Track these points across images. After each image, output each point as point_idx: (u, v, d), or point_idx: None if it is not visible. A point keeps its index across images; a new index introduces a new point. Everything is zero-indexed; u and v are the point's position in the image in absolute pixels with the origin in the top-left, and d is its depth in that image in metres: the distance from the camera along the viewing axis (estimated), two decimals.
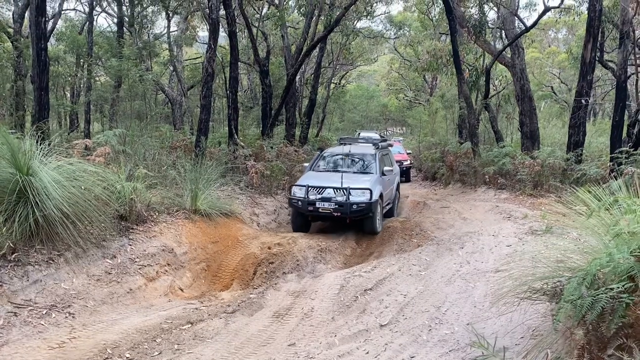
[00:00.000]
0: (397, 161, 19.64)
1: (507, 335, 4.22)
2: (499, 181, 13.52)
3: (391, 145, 14.30)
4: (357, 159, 11.61)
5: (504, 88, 22.43)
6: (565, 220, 4.43)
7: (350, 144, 12.38)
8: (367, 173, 11.02)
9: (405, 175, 20.27)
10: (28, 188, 5.80)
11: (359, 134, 28.96)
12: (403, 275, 6.50)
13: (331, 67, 31.02)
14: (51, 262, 5.77)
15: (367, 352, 4.53)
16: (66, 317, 5.23)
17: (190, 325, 5.36)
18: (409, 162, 20.85)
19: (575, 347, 2.71)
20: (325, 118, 33.94)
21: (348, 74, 37.59)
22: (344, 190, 9.80)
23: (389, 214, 12.00)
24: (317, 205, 9.85)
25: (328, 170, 11.32)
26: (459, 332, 4.69)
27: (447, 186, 16.93)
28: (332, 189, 9.94)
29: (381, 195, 10.42)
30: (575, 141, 12.88)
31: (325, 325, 5.27)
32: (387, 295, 5.82)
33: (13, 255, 5.46)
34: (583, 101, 12.65)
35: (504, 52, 17.04)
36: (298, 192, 10.18)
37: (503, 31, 18.26)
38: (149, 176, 8.54)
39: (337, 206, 9.76)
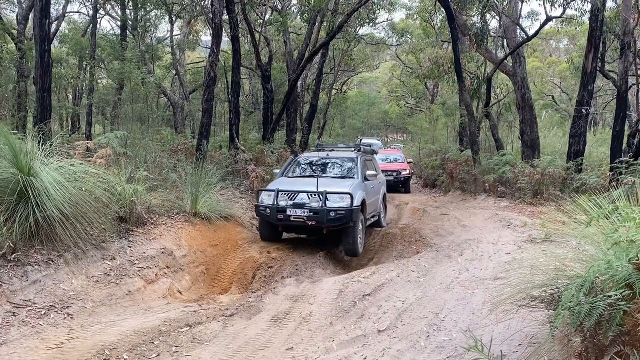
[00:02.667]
0: (394, 171, 19.06)
1: (505, 342, 4.22)
2: (499, 189, 13.53)
3: (375, 153, 12.96)
4: (336, 164, 10.35)
5: (505, 97, 22.48)
6: (565, 229, 4.44)
7: (329, 151, 11.24)
8: (348, 177, 9.80)
9: (404, 186, 19.24)
10: (29, 189, 5.83)
11: (361, 140, 28.75)
12: (402, 282, 6.50)
13: (333, 73, 31.13)
14: (51, 262, 5.78)
15: (365, 358, 4.53)
16: (65, 318, 5.24)
17: (188, 328, 5.36)
18: (408, 172, 19.52)
19: (573, 355, 2.72)
20: (326, 124, 34.05)
21: (350, 80, 37.74)
22: (320, 195, 8.50)
23: (375, 225, 10.98)
24: (289, 213, 8.54)
25: (303, 176, 10.06)
26: (457, 338, 4.68)
27: (447, 194, 16.94)
28: (306, 194, 8.69)
29: (364, 203, 9.20)
30: (576, 151, 12.92)
31: (323, 330, 5.26)
32: (386, 301, 5.81)
33: (13, 256, 5.48)
34: (584, 111, 12.70)
35: (505, 61, 17.10)
36: (266, 199, 8.86)
37: (505, 40, 18.32)
38: (150, 179, 8.57)
39: (311, 213, 8.43)
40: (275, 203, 8.62)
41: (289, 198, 8.72)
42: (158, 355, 4.69)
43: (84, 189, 6.51)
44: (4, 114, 15.60)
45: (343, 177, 9.83)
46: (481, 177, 14.51)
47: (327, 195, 8.51)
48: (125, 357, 4.60)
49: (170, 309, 6.13)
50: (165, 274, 7.13)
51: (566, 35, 35.61)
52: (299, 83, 23.18)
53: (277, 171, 10.63)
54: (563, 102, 33.26)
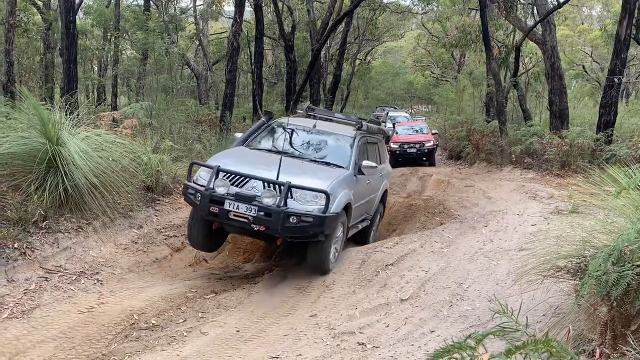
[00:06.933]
0: (418, 142, 18.61)
1: (528, 312, 4.20)
2: (525, 161, 13.31)
3: (382, 132, 8.95)
4: (323, 141, 7.14)
5: (533, 66, 21.89)
6: (593, 200, 4.36)
7: (319, 119, 7.87)
8: (331, 165, 6.68)
9: (428, 159, 18.60)
10: (57, 158, 5.94)
11: (387, 113, 27.80)
12: (425, 252, 6.50)
13: (357, 43, 30.68)
14: (80, 230, 5.93)
15: (388, 325, 4.57)
16: (94, 283, 5.40)
17: (214, 294, 5.48)
18: (432, 143, 18.60)
19: (598, 324, 2.70)
20: (349, 95, 33.71)
21: (374, 50, 37.17)
22: (280, 187, 5.61)
23: (361, 238, 7.82)
24: (227, 207, 5.56)
25: (269, 150, 6.86)
26: (480, 308, 4.69)
27: (472, 165, 16.72)
28: (260, 182, 5.73)
29: (348, 208, 6.34)
30: (606, 121, 12.55)
31: (346, 298, 5.32)
32: (409, 271, 5.83)
33: (44, 223, 5.63)
34: (616, 80, 12.28)
35: (534, 29, 16.57)
36: (202, 177, 5.96)
37: (535, 7, 17.71)
38: (175, 149, 8.67)
39: (261, 213, 5.51)
40: (211, 187, 5.70)
41: (232, 183, 5.77)
42: (185, 320, 4.81)
43: (110, 158, 6.61)
44: (32, 85, 15.86)
45: (327, 163, 6.72)
46: (507, 148, 14.26)
47: (291, 188, 5.66)
48: (153, 321, 4.73)
49: (196, 276, 6.27)
50: None
51: (599, 2, 34.37)
52: (322, 53, 22.92)
53: (239, 134, 7.50)
54: (594, 71, 32.24)
